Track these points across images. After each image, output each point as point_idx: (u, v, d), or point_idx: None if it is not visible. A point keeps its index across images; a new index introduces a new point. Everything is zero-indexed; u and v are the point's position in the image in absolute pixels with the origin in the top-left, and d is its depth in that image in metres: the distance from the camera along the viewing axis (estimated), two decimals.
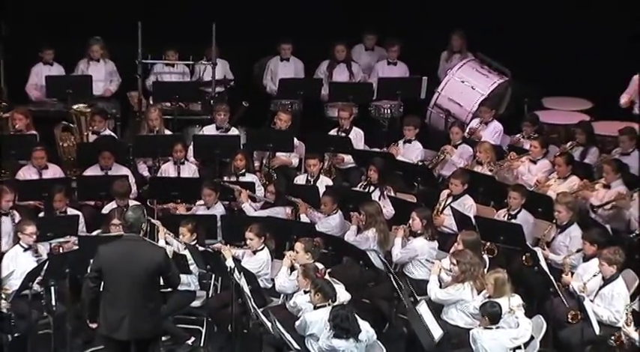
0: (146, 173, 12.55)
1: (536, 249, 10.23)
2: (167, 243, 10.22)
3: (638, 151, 12.08)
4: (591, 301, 9.48)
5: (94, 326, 8.69)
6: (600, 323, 9.27)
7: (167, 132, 12.94)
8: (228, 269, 9.58)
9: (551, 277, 9.68)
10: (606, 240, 10.03)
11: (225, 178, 11.93)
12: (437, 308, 9.59)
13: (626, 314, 9.17)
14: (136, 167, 12.60)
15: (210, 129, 12.91)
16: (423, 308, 9.22)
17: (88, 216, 11.25)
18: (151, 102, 13.55)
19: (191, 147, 12.54)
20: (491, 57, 13.90)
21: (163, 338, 9.78)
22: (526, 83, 13.69)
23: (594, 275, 9.62)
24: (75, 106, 12.94)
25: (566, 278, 9.87)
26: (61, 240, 10.57)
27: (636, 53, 12.95)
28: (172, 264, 8.74)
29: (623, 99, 12.99)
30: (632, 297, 9.55)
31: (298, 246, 9.92)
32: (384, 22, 14.37)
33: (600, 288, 9.56)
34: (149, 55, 13.53)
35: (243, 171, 11.97)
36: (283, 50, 14.22)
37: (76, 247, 10.36)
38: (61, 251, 10.39)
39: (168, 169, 12.30)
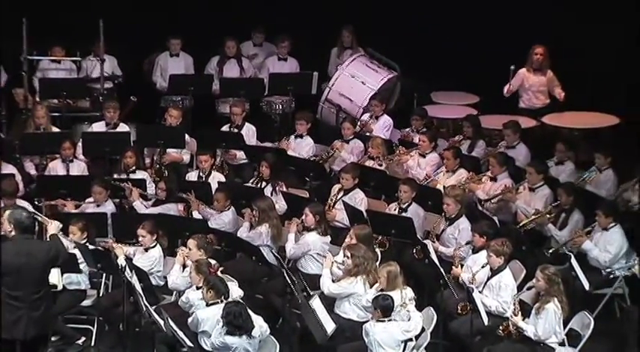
0: (33, 171, 12.31)
1: (426, 241, 10.38)
2: None
3: (522, 144, 12.36)
4: (480, 292, 9.66)
5: None
6: (489, 313, 9.45)
7: (54, 129, 12.72)
8: (120, 268, 9.48)
9: (441, 269, 9.83)
10: (494, 231, 10.23)
11: (116, 175, 11.79)
12: (330, 303, 9.66)
13: (514, 304, 9.38)
14: (23, 165, 12.34)
15: (99, 126, 12.73)
16: (315, 303, 9.26)
17: None
18: (38, 99, 13.30)
19: (80, 144, 12.35)
20: (381, 52, 14.06)
21: (53, 338, 9.67)
22: (415, 78, 13.88)
23: (482, 267, 9.82)
24: None
25: (456, 270, 10.04)
26: None
27: (521, 48, 13.25)
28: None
29: (505, 88, 13.21)
30: (519, 288, 9.74)
31: (191, 242, 9.87)
32: (274, 17, 14.39)
33: (488, 279, 9.76)
34: (35, 52, 13.30)
35: (134, 168, 11.84)
36: (172, 45, 14.13)
37: None
38: None
39: (56, 167, 12.09)
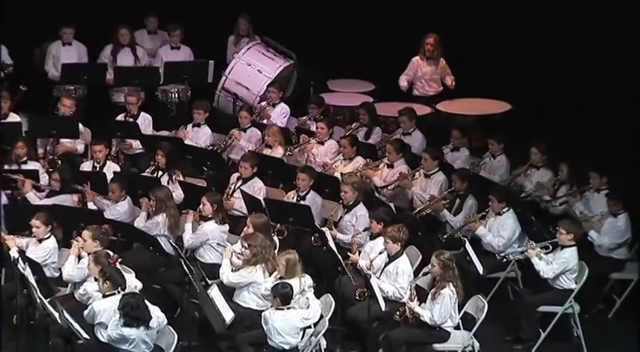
0: None
1: (324, 229, 10.44)
2: None
3: (418, 131, 12.51)
4: (377, 278, 9.76)
5: None
6: (386, 299, 9.57)
7: None
8: (12, 260, 9.30)
9: (339, 256, 9.90)
10: (391, 218, 10.33)
11: (6, 167, 11.54)
12: (229, 292, 9.64)
13: (410, 289, 9.51)
14: None
15: None
16: (214, 292, 9.24)
17: None
18: None
19: None
20: (277, 40, 14.05)
21: None
22: (311, 66, 13.92)
23: (380, 253, 9.91)
24: None
25: (354, 257, 10.12)
26: None
27: (415, 36, 13.40)
28: None
29: (403, 82, 13.38)
30: (416, 273, 9.88)
31: (85, 234, 9.75)
32: (168, 5, 14.24)
33: (386, 265, 9.85)
34: None
35: (25, 158, 11.62)
36: (65, 34, 13.87)
37: None
38: None
39: None
